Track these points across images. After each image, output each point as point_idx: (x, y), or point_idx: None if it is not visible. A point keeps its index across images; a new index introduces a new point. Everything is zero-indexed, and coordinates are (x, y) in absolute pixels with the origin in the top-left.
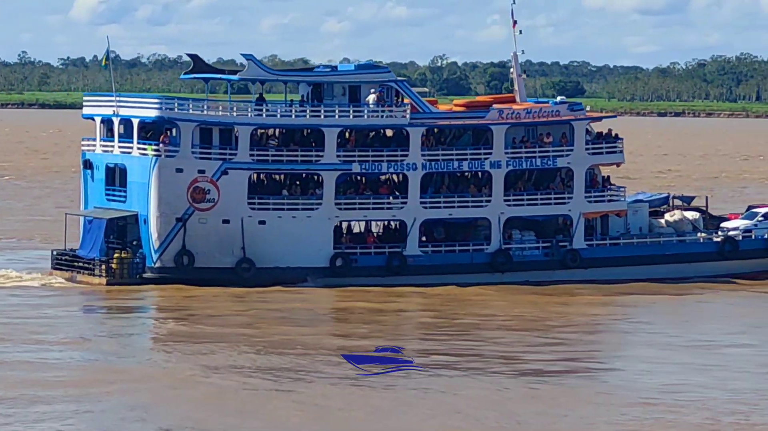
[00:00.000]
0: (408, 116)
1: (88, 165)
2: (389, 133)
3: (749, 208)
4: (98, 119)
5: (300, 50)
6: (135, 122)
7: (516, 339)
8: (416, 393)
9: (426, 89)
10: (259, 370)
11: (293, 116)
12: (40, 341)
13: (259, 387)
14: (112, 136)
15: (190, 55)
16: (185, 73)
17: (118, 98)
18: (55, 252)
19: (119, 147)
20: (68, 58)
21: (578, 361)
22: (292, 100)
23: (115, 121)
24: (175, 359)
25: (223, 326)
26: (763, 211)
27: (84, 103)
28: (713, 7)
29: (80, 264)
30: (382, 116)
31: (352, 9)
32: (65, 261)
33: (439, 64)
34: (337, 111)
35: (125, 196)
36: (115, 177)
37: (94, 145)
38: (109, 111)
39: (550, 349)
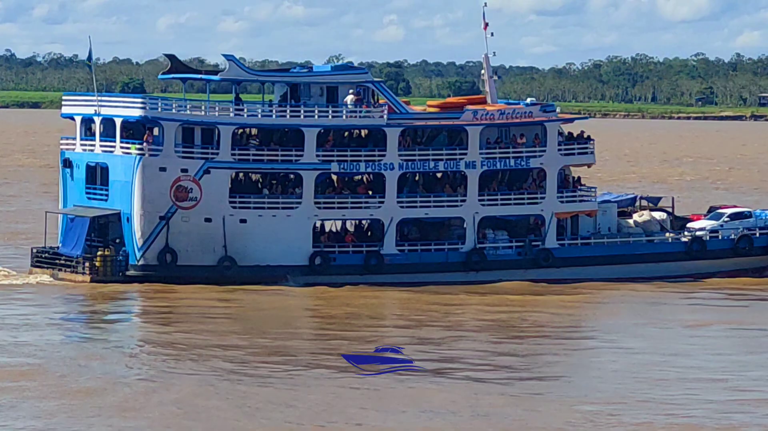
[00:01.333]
0: (385, 117)
1: (67, 164)
2: (363, 132)
3: (711, 209)
4: (78, 118)
5: (196, 49)
6: (118, 122)
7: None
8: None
9: None
10: (196, 373)
11: (274, 116)
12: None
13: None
14: (92, 135)
15: (167, 56)
16: (163, 73)
17: (99, 98)
18: (35, 250)
19: (101, 146)
20: None
21: (540, 364)
22: (271, 101)
23: (97, 120)
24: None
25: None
26: (729, 211)
27: (63, 103)
28: (610, 8)
29: (61, 261)
30: (360, 116)
31: (248, 8)
32: (45, 259)
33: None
34: (316, 111)
35: (107, 195)
36: (96, 175)
37: (74, 144)
38: (89, 110)
39: (511, 351)
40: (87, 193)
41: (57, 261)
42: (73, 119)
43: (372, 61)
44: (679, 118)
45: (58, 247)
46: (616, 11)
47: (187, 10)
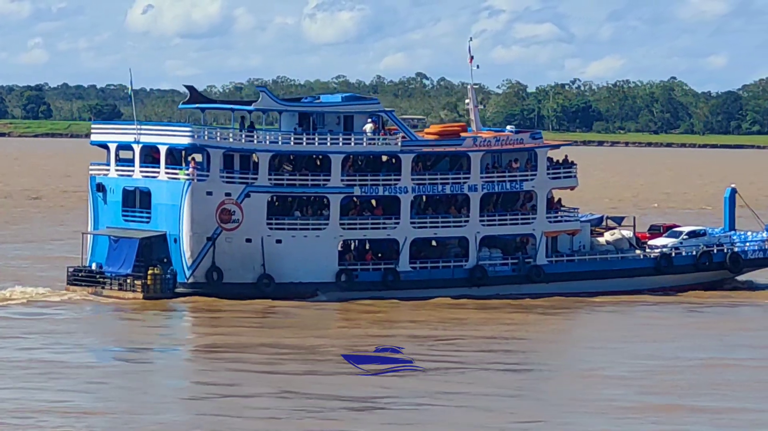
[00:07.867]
0: (400, 143)
1: (100, 188)
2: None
3: (651, 227)
4: (113, 146)
5: None
6: (162, 149)
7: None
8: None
9: None
10: None
11: (304, 143)
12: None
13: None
14: (123, 161)
15: (187, 87)
16: (183, 103)
17: (139, 126)
18: (71, 269)
19: (141, 171)
20: None
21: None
22: (303, 129)
23: (136, 147)
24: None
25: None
26: (686, 229)
27: (93, 131)
28: (257, 30)
29: (102, 279)
30: (379, 143)
31: None
32: (83, 278)
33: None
34: (341, 139)
35: (148, 217)
36: (135, 199)
37: (107, 170)
38: (128, 138)
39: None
40: (124, 215)
41: (98, 279)
42: (105, 146)
43: (13, 84)
44: None
45: (89, 266)
46: (262, 33)
47: None
